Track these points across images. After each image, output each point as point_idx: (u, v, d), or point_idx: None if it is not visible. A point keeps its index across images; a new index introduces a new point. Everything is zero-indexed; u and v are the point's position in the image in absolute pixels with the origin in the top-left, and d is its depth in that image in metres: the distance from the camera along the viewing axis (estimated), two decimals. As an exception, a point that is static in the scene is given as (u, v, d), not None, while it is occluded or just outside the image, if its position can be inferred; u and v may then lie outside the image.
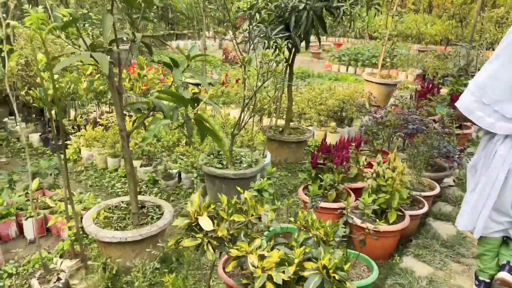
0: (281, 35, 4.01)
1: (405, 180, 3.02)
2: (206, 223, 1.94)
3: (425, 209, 3.31)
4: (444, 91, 7.53)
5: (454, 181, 4.42)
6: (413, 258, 3.01)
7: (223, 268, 2.24)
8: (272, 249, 1.98)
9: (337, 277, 1.80)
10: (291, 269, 1.83)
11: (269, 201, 2.43)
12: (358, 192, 3.45)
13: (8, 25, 2.22)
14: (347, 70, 11.26)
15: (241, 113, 3.80)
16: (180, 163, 4.23)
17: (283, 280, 1.79)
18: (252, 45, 3.93)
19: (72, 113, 5.82)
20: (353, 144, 3.70)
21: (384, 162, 3.13)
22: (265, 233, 2.17)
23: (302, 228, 2.20)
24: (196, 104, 2.60)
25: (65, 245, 2.82)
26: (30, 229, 3.26)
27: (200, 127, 2.51)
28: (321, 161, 3.40)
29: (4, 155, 5.04)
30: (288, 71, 4.67)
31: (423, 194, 3.50)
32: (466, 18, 12.99)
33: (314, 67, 11.16)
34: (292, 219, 2.27)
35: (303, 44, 4.46)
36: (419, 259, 3.00)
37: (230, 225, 2.01)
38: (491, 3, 13.22)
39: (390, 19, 7.99)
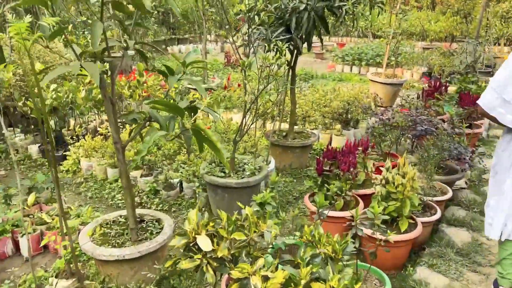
0: (282, 37, 3.88)
1: (416, 186, 2.86)
2: (204, 243, 1.80)
3: (438, 215, 3.15)
4: (451, 89, 7.34)
5: (466, 183, 4.24)
6: (427, 268, 2.84)
7: (226, 289, 2.11)
8: (276, 268, 1.84)
9: (347, 299, 1.66)
10: (298, 292, 1.69)
11: (272, 215, 2.28)
12: (366, 198, 3.30)
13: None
14: (351, 70, 11.08)
15: (242, 119, 3.67)
16: (181, 172, 4.09)
17: (289, 304, 1.65)
18: (252, 49, 3.80)
19: (72, 122, 5.72)
20: (360, 148, 3.54)
21: (393, 167, 2.98)
22: (269, 249, 2.03)
23: (308, 244, 2.05)
24: (193, 113, 2.46)
25: (60, 264, 2.69)
26: (26, 246, 3.14)
27: (198, 138, 2.38)
28: (327, 168, 3.25)
29: (3, 167, 4.94)
30: (290, 74, 4.53)
31: (435, 199, 3.34)
32: (470, 13, 12.78)
33: (317, 68, 11.00)
34: (298, 233, 2.13)
35: (305, 45, 4.32)
36: (433, 269, 2.84)
37: (231, 243, 1.87)
38: (496, -2, 13.06)
39: (393, 17, 7.83)
